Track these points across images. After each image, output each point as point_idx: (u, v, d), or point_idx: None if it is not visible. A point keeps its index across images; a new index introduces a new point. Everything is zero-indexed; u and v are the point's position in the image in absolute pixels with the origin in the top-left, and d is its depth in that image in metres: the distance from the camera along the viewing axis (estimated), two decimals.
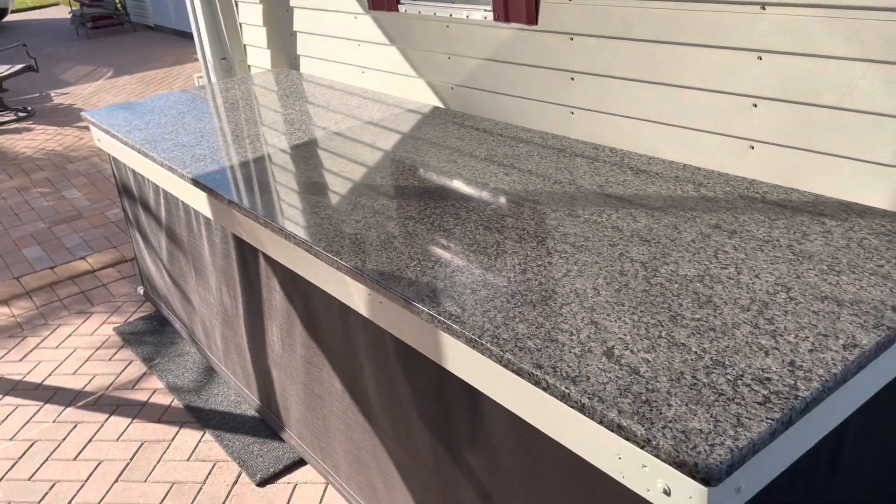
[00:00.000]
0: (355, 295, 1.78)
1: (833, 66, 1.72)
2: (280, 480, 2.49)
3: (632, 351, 1.30)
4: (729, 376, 1.21)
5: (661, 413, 1.14)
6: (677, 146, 2.13)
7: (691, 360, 1.26)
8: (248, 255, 2.36)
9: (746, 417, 1.11)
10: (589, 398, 1.20)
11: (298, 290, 2.13)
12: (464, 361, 1.49)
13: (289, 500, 2.40)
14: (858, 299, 1.37)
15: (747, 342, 1.29)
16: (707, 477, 1.04)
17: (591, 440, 1.24)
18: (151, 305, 3.67)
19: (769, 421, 1.10)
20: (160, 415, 2.88)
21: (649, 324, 1.37)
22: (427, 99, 3.06)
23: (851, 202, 1.76)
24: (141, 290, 3.75)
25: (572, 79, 2.39)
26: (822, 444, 1.35)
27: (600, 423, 1.18)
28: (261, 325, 2.47)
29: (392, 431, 1.94)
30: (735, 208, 1.80)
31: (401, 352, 1.74)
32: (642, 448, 1.12)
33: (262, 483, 2.48)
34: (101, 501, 2.47)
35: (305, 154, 2.51)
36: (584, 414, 1.21)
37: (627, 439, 1.14)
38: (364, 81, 3.41)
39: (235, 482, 2.50)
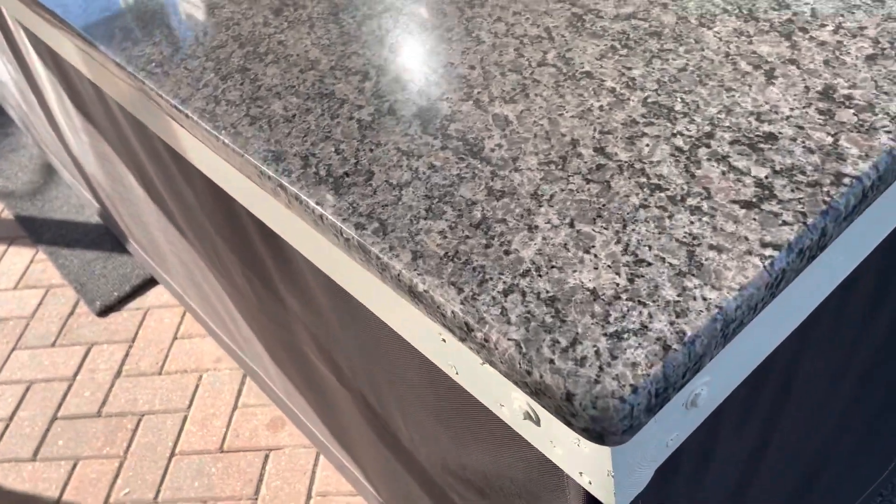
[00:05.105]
0: (81, 62, 1.04)
1: None
2: (127, 307, 1.91)
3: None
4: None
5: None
6: None
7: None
8: (8, 28, 1.56)
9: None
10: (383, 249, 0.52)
11: (61, 69, 1.37)
12: (214, 166, 0.80)
13: (136, 333, 1.84)
14: None
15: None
16: None
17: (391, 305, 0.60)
18: None
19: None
20: None
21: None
22: None
23: None
24: None
25: None
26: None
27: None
28: (50, 112, 1.74)
29: (206, 256, 1.30)
30: None
31: (173, 154, 1.03)
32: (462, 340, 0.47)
33: (104, 312, 1.91)
34: None
35: None
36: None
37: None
38: None
39: (70, 314, 1.93)
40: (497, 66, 0.66)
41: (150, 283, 1.96)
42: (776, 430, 0.78)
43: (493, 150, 0.58)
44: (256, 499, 1.47)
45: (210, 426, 1.61)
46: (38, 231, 2.18)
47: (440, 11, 0.75)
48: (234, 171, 0.71)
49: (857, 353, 0.85)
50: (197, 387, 1.69)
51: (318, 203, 0.58)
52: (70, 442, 1.63)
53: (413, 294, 0.51)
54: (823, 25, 0.61)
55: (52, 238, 2.14)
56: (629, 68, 0.62)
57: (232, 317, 1.48)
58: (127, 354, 1.80)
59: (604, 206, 0.52)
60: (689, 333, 0.43)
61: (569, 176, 0.54)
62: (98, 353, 1.81)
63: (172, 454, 1.57)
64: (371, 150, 0.61)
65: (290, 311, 1.08)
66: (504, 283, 0.49)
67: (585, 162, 0.55)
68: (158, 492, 1.51)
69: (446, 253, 0.51)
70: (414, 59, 0.70)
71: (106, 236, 2.10)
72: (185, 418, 1.64)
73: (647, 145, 0.55)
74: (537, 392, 0.44)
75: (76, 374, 1.78)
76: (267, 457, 1.53)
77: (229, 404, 1.64)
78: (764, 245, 0.47)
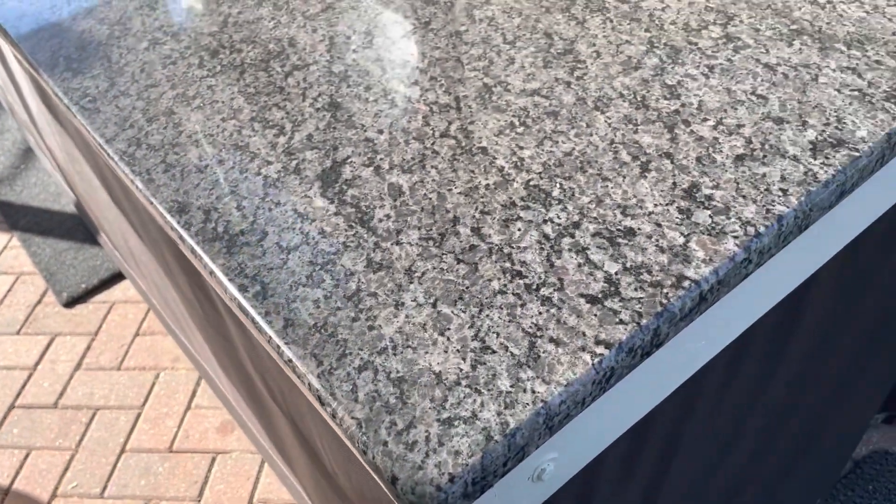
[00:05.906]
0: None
1: None
2: (93, 299, 1.95)
3: None
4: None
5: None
6: None
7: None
8: None
9: None
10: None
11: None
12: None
13: (99, 327, 1.88)
14: None
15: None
16: None
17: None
18: None
19: None
20: None
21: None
22: None
23: None
24: None
25: None
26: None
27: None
28: (26, 102, 1.77)
29: (161, 266, 1.34)
30: None
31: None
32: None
33: (70, 303, 1.94)
34: None
35: None
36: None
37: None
38: None
39: (38, 302, 1.96)
40: (404, 132, 0.70)
41: (117, 276, 1.99)
42: (663, 488, 0.82)
43: (381, 221, 0.61)
44: (199, 501, 1.50)
45: (162, 425, 1.65)
46: (14, 216, 2.21)
47: (363, 70, 0.78)
48: None
49: (755, 411, 0.89)
50: (153, 385, 1.73)
51: (211, 259, 0.61)
52: (25, 431, 1.67)
53: (282, 359, 0.55)
54: (706, 119, 0.65)
55: (27, 225, 2.18)
56: (521, 147, 0.65)
57: (186, 322, 1.51)
58: (88, 347, 1.83)
59: (467, 288, 0.55)
60: (511, 425, 0.47)
61: (443, 254, 0.58)
62: (61, 344, 1.85)
63: (122, 451, 1.61)
64: (270, 210, 0.64)
65: (231, 331, 1.12)
66: (361, 359, 0.52)
67: (461, 241, 0.59)
68: (105, 487, 1.55)
69: (315, 323, 0.55)
70: (328, 116, 0.73)
71: (80, 226, 2.13)
72: (139, 416, 1.68)
73: (520, 230, 0.58)
74: (373, 470, 0.48)
75: (37, 363, 1.81)
76: (214, 460, 1.57)
77: (182, 405, 1.68)
78: (598, 342, 0.50)
